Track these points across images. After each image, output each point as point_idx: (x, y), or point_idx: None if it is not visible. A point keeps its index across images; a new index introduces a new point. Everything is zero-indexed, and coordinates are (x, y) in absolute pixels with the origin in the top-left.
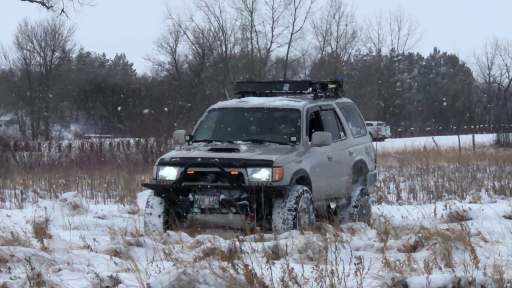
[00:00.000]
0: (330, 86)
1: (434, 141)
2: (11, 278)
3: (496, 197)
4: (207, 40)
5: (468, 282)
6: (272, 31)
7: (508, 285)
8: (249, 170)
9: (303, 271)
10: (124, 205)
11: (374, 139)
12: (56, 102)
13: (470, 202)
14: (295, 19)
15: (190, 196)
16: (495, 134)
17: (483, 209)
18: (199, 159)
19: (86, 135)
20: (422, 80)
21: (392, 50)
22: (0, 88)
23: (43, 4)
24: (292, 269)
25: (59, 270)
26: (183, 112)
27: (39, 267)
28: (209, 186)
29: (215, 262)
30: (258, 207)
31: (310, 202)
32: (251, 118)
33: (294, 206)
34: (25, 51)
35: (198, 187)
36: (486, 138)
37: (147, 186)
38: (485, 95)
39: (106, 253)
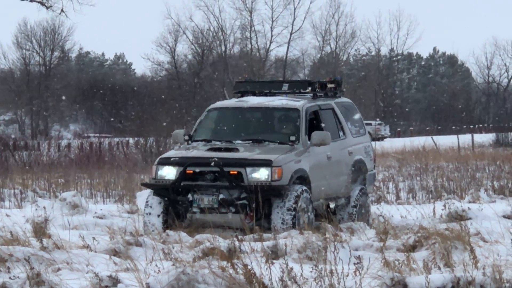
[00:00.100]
0: (329, 85)
1: (433, 141)
2: (10, 278)
3: (495, 197)
4: (206, 39)
5: (467, 282)
6: (272, 31)
7: (507, 285)
8: (248, 169)
9: (302, 271)
10: (123, 205)
11: (373, 139)
12: (55, 102)
13: (469, 202)
14: (294, 19)
15: (189, 195)
16: (494, 134)
17: (482, 209)
18: (198, 159)
19: (86, 134)
20: (421, 80)
21: (391, 50)
22: None
23: (42, 4)
24: (291, 268)
25: (59, 269)
26: (182, 112)
27: (39, 266)
28: (208, 186)
29: (214, 261)
30: (257, 207)
31: (309, 201)
32: (250, 118)
33: (293, 206)
34: (24, 50)
35: (197, 186)
36: (485, 138)
37: (146, 185)
38: (484, 95)
39: (106, 253)
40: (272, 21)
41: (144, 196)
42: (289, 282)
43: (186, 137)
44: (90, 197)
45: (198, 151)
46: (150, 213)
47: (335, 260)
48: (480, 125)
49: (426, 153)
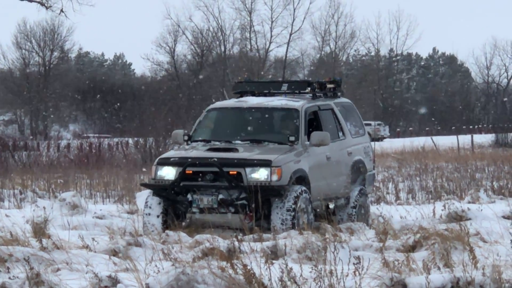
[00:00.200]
0: (329, 86)
1: (432, 141)
2: (10, 278)
3: (495, 197)
4: (206, 40)
5: (467, 282)
6: (271, 31)
7: (507, 285)
8: (248, 169)
9: (302, 271)
10: (123, 205)
11: (373, 139)
12: (55, 102)
13: (469, 202)
14: (294, 19)
15: (189, 196)
16: (493, 134)
17: (481, 209)
18: (197, 159)
19: (85, 135)
20: (420, 80)
21: (391, 50)
22: None
23: (42, 4)
24: (291, 269)
25: (58, 270)
26: (181, 112)
27: (38, 266)
28: (207, 186)
29: (214, 262)
30: (256, 207)
31: (308, 202)
32: (250, 118)
33: (293, 206)
34: (24, 51)
35: (197, 187)
36: (484, 138)
37: (146, 186)
38: (484, 95)
39: (105, 253)
40: (272, 22)
41: (143, 196)
42: (288, 283)
43: (186, 137)
44: (89, 198)
45: (198, 151)
46: (149, 214)
47: (334, 260)
48: (480, 126)
49: (425, 154)
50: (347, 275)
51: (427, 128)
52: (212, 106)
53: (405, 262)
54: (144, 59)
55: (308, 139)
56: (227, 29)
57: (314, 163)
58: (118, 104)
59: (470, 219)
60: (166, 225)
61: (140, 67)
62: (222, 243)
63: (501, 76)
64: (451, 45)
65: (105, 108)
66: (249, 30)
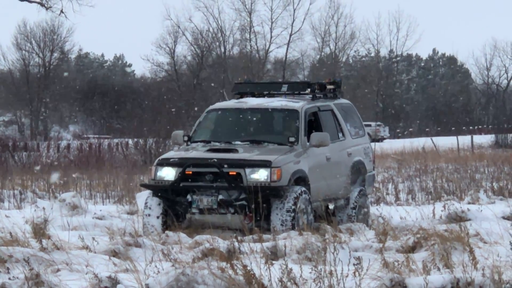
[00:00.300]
0: (329, 87)
1: (432, 142)
2: (9, 279)
3: (495, 198)
4: (205, 41)
5: (467, 283)
6: (271, 32)
7: (507, 286)
8: (248, 170)
9: (302, 272)
10: (123, 206)
11: (373, 140)
12: (54, 103)
13: (469, 203)
14: (293, 20)
15: (189, 196)
16: (493, 135)
17: (481, 210)
18: (197, 160)
19: (85, 135)
20: (420, 81)
21: (391, 51)
22: None
23: (42, 4)
24: (291, 269)
25: (58, 270)
26: (181, 113)
27: (38, 267)
28: (207, 187)
29: (213, 262)
30: (256, 208)
31: (308, 202)
32: (250, 119)
33: (293, 207)
34: (24, 51)
35: (196, 187)
36: (484, 139)
37: (146, 186)
38: (484, 96)
39: (105, 254)
40: (272, 22)
41: (143, 197)
42: (288, 283)
43: (185, 138)
44: (89, 198)
45: (197, 152)
46: (149, 215)
47: (334, 261)
48: (480, 126)
49: (425, 154)
50: (347, 276)
51: (427, 129)
52: (212, 107)
53: (405, 263)
54: (144, 60)
55: (308, 140)
56: (227, 30)
57: (314, 163)
58: (118, 105)
59: (470, 219)
60: (166, 226)
61: (140, 68)
62: (222, 244)
63: (501, 77)
64: (451, 46)
65: (105, 109)
66: (249, 31)
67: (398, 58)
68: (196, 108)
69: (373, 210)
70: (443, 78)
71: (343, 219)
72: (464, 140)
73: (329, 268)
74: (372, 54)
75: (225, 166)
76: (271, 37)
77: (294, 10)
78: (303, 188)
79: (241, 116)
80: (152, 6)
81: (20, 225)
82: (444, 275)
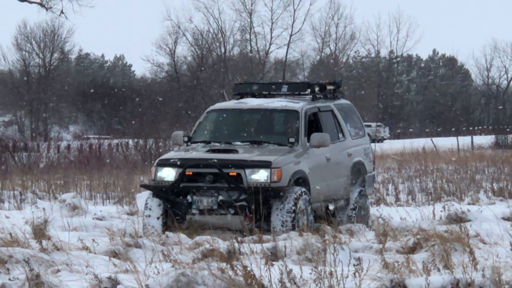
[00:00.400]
0: (329, 87)
1: (432, 142)
2: (9, 279)
3: (495, 198)
4: (206, 41)
5: (467, 283)
6: (271, 33)
7: (507, 286)
8: (248, 171)
9: (302, 273)
10: (123, 206)
11: (373, 141)
12: (55, 103)
13: (469, 204)
14: (294, 20)
15: (189, 197)
16: (493, 136)
17: (481, 211)
18: (197, 160)
19: (85, 136)
20: (421, 82)
21: (391, 51)
22: None
23: (42, 5)
24: (291, 270)
25: (58, 271)
26: (181, 113)
27: (38, 268)
28: (207, 187)
29: (213, 263)
30: (256, 208)
31: (308, 203)
32: (250, 119)
33: (293, 208)
34: (24, 52)
35: (196, 188)
36: (484, 140)
37: (146, 187)
38: (484, 97)
39: (105, 254)
40: (272, 23)
41: (143, 197)
42: (288, 284)
43: (186, 139)
44: (89, 199)
45: (198, 152)
46: (149, 215)
47: (334, 261)
48: (480, 127)
49: (425, 155)
50: (347, 277)
51: (427, 130)
52: (212, 107)
53: (405, 264)
54: (144, 60)
55: (308, 141)
56: (227, 31)
57: (314, 164)
58: (118, 105)
59: (470, 220)
60: (166, 227)
61: (140, 69)
62: (222, 245)
63: (501, 78)
64: (451, 47)
65: (105, 109)
66: (249, 31)
67: (398, 59)
68: (196, 109)
69: (373, 210)
70: (443, 78)
71: (343, 220)
72: (464, 140)
73: (329, 269)
74: (372, 55)
75: (225, 166)
76: (271, 37)
77: (294, 11)
78: (303, 189)
79: (241, 116)
80: (152, 6)
81: (20, 225)
82: (444, 276)
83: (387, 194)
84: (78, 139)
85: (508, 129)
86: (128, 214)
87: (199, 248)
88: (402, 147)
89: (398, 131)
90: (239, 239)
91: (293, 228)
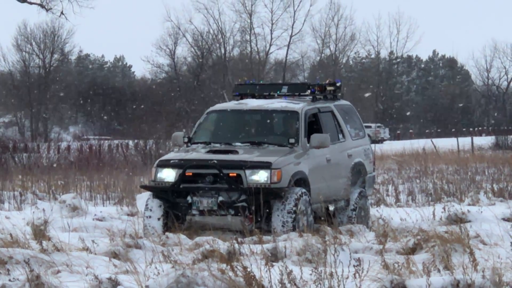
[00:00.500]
0: (329, 88)
1: (432, 143)
2: (10, 280)
3: (495, 199)
4: (206, 42)
5: (467, 284)
6: (271, 34)
7: (507, 287)
8: (248, 172)
9: (302, 274)
10: (122, 207)
11: (373, 142)
12: (55, 104)
13: (469, 205)
14: (294, 21)
15: (189, 198)
16: (493, 137)
17: (482, 212)
18: (197, 161)
19: (85, 137)
20: (421, 83)
21: (391, 52)
22: None
23: (42, 6)
24: (291, 271)
25: (58, 272)
26: (181, 114)
27: (38, 269)
28: (207, 188)
29: (214, 264)
30: (256, 209)
31: (308, 204)
32: (250, 120)
33: (294, 208)
34: (24, 53)
35: (196, 189)
36: (484, 141)
37: (146, 188)
38: (484, 98)
39: (105, 255)
40: (272, 24)
41: (143, 198)
42: (288, 285)
43: (186, 140)
44: (89, 200)
45: (198, 153)
46: (150, 216)
47: (334, 262)
48: (480, 128)
49: (425, 156)
50: (347, 278)
51: (427, 131)
52: (212, 108)
53: (405, 265)
54: (144, 61)
55: (308, 141)
56: (227, 32)
57: (314, 165)
58: (118, 106)
59: (470, 221)
60: (166, 228)
61: (140, 70)
62: (222, 245)
63: (501, 79)
64: (451, 48)
65: (105, 110)
66: (249, 32)
67: (398, 60)
68: (196, 110)
69: (373, 211)
70: (443, 79)
71: (343, 221)
72: (464, 141)
73: (329, 270)
74: (372, 56)
75: (225, 167)
76: (271, 38)
77: (295, 12)
78: (304, 190)
79: (241, 117)
80: (153, 7)
81: (20, 226)
82: (445, 277)
83: (387, 195)
84: (78, 140)
85: (508, 130)
86: (128, 215)
87: (199, 249)
88: (402, 148)
89: (398, 132)
90: (239, 240)
91: (294, 229)
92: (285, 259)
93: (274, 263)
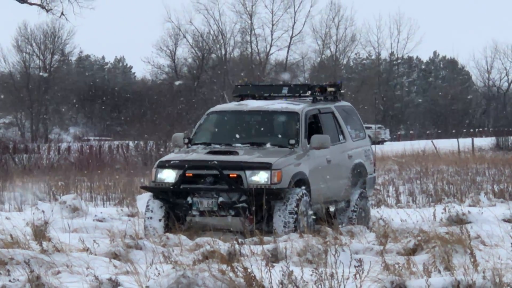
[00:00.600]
0: (329, 89)
1: (433, 144)
2: (10, 281)
3: (496, 200)
4: (206, 43)
5: (468, 285)
6: (272, 35)
7: None
8: (248, 172)
9: (303, 274)
10: (123, 208)
11: (373, 142)
12: (55, 105)
13: (470, 206)
14: (294, 22)
15: (189, 198)
16: (494, 138)
17: (482, 213)
18: (198, 162)
19: (85, 137)
20: (421, 84)
21: (392, 53)
22: None
23: (42, 7)
24: (292, 272)
25: (59, 272)
26: (182, 115)
27: (38, 269)
28: (207, 189)
29: (214, 265)
30: (257, 210)
31: (308, 205)
32: (250, 121)
33: (295, 209)
34: (24, 54)
35: (197, 189)
36: (485, 142)
37: (146, 188)
38: (485, 99)
39: (106, 256)
40: (272, 25)
41: (144, 199)
42: (289, 286)
43: (186, 140)
44: (90, 200)
45: (198, 154)
46: (151, 217)
47: (335, 263)
48: (480, 129)
49: (426, 157)
50: (347, 278)
51: (427, 132)
52: (212, 109)
53: (405, 265)
54: (144, 62)
55: (309, 142)
56: (227, 32)
57: (315, 166)
58: (119, 107)
59: (470, 222)
60: (167, 229)
61: (141, 70)
62: (222, 246)
63: (502, 80)
64: (451, 49)
65: (105, 111)
66: (249, 33)
67: (399, 61)
68: (196, 111)
69: (374, 212)
70: (444, 80)
71: (344, 222)
72: (465, 142)
73: (330, 271)
74: (373, 57)
75: (226, 168)
76: (272, 39)
77: (295, 13)
78: (304, 190)
79: (241, 118)
80: (153, 8)
81: (20, 227)
82: (445, 278)
83: (388, 196)
84: (79, 141)
85: (508, 131)
86: (128, 215)
87: (199, 249)
88: (402, 149)
89: (399, 133)
90: (239, 240)
91: (295, 230)
92: (286, 259)
93: (274, 264)
